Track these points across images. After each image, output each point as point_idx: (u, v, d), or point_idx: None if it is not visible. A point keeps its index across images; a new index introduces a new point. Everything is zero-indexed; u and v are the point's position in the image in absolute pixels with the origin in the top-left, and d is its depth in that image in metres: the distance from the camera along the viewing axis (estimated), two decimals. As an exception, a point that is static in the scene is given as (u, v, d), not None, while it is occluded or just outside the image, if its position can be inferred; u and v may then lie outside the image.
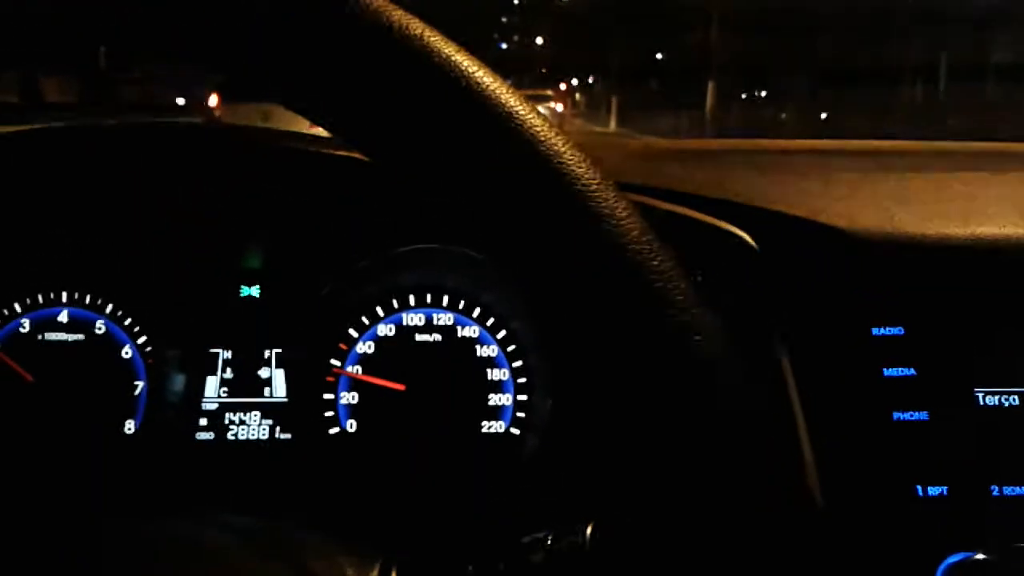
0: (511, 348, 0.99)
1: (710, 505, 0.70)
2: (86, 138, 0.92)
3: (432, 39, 0.52)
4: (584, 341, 0.56)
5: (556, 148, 0.54)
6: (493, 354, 1.00)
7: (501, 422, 0.98)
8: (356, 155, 0.95)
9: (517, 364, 0.99)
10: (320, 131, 0.73)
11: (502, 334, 1.00)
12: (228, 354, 0.98)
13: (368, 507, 0.93)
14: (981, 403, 0.78)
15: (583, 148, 0.57)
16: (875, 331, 0.79)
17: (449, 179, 0.57)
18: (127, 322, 0.98)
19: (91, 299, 0.98)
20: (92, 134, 0.93)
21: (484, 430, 0.98)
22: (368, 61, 0.51)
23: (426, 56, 0.52)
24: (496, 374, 0.99)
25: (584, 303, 0.57)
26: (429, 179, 0.57)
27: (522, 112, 0.52)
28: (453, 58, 0.51)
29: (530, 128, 0.53)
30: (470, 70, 0.51)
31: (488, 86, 0.52)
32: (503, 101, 0.52)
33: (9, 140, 0.91)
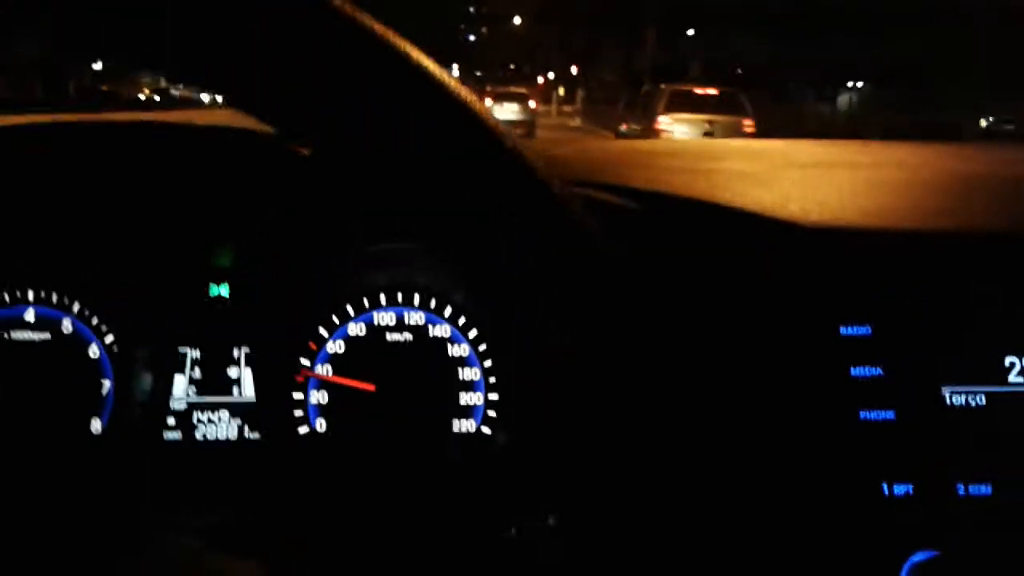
0: (483, 348, 0.99)
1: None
2: (51, 135, 0.91)
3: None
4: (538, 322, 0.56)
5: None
6: (464, 353, 0.99)
7: (472, 421, 0.98)
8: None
9: (489, 363, 0.99)
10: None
11: (473, 333, 0.99)
12: (196, 353, 0.97)
13: (338, 506, 0.92)
14: (948, 402, 0.78)
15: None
16: (843, 331, 0.79)
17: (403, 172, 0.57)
18: (94, 321, 0.97)
19: (58, 298, 0.97)
20: (57, 130, 0.92)
21: (455, 429, 0.98)
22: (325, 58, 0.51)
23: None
24: (467, 373, 0.99)
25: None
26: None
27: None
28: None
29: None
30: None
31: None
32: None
33: None
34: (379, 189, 0.80)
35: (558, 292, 0.63)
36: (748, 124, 11.71)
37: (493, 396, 0.98)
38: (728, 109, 11.61)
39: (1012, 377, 0.79)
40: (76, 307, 0.97)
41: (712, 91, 12.07)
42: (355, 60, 0.51)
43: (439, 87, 0.53)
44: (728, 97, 11.84)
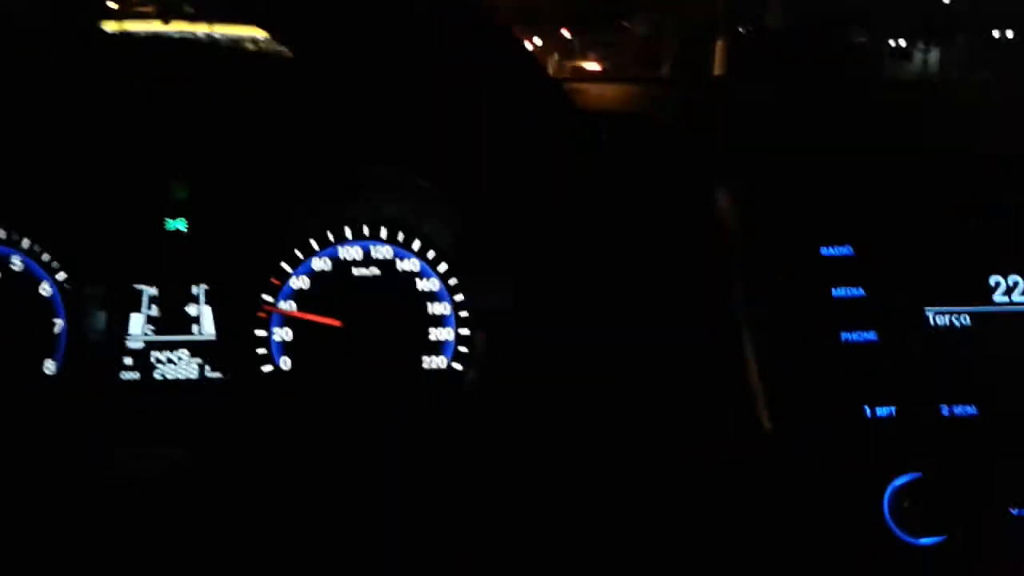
0: (453, 282, 0.95)
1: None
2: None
3: None
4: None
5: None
6: (435, 288, 0.96)
7: (443, 357, 0.95)
8: (288, 72, 0.90)
9: (459, 298, 0.95)
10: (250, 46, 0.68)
11: (443, 267, 0.96)
12: (153, 290, 0.93)
13: (303, 446, 0.89)
14: (932, 323, 0.76)
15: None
16: (824, 251, 0.77)
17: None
18: (45, 257, 0.93)
19: (6, 233, 0.93)
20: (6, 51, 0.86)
21: (425, 366, 0.95)
22: None
23: None
24: (437, 308, 0.95)
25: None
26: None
27: None
28: None
29: None
30: None
31: None
32: None
33: None
34: (355, 108, 0.76)
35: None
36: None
37: (464, 331, 0.95)
38: None
39: (996, 296, 0.77)
40: (26, 243, 0.93)
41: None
42: None
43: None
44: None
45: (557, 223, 0.72)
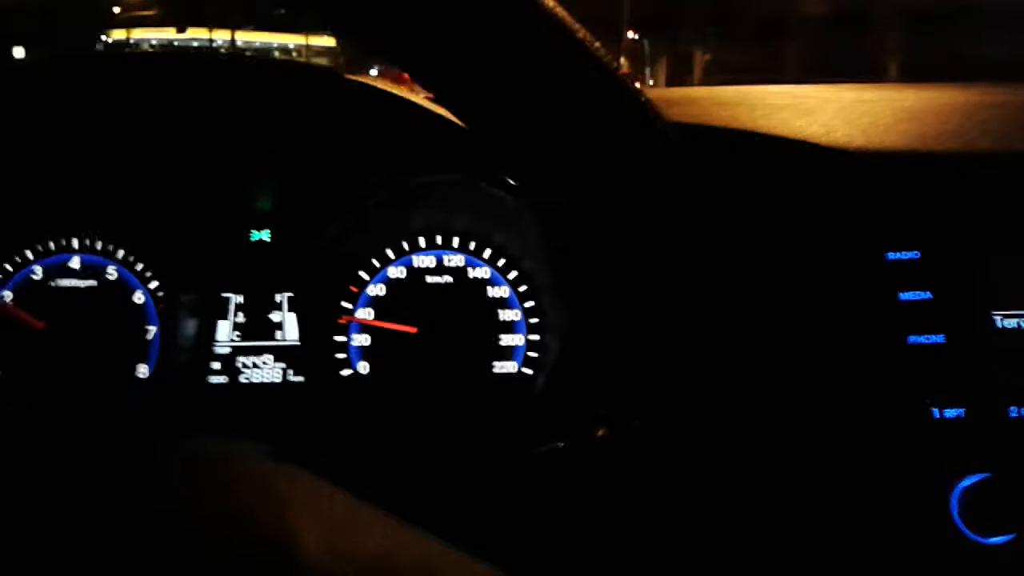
0: (523, 288, 0.99)
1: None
2: (93, 69, 0.91)
3: None
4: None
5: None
6: (504, 295, 0.99)
7: (513, 362, 0.98)
8: (368, 83, 0.94)
9: (529, 304, 0.99)
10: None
11: (513, 275, 0.99)
12: (240, 298, 0.98)
13: (380, 447, 0.93)
14: (998, 325, 0.77)
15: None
16: (890, 256, 0.78)
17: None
18: (139, 267, 0.98)
19: (103, 245, 0.98)
20: (98, 64, 0.92)
21: (496, 371, 0.98)
22: None
23: None
24: (507, 315, 0.99)
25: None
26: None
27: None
28: None
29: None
30: None
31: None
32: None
33: (19, 73, 0.90)
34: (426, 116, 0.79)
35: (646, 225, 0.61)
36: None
37: (535, 337, 0.98)
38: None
39: (1064, 299, 0.77)
40: (121, 254, 0.98)
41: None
42: None
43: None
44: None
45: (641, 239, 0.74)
